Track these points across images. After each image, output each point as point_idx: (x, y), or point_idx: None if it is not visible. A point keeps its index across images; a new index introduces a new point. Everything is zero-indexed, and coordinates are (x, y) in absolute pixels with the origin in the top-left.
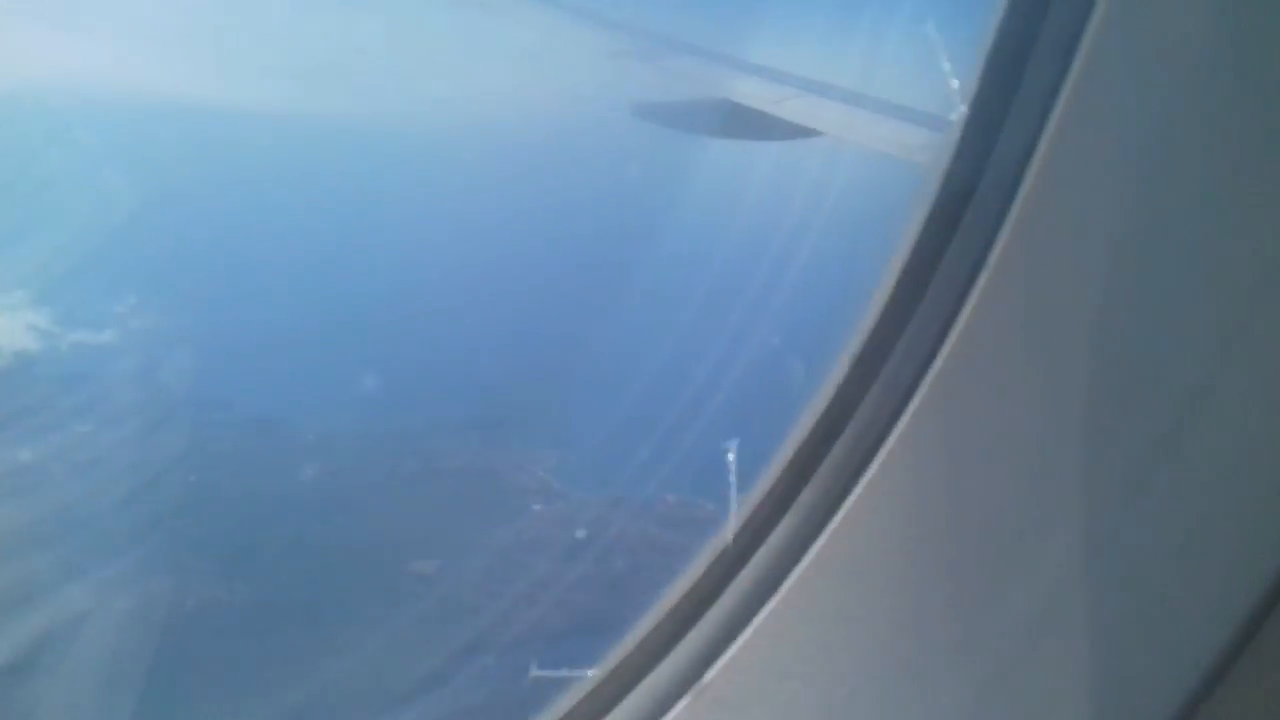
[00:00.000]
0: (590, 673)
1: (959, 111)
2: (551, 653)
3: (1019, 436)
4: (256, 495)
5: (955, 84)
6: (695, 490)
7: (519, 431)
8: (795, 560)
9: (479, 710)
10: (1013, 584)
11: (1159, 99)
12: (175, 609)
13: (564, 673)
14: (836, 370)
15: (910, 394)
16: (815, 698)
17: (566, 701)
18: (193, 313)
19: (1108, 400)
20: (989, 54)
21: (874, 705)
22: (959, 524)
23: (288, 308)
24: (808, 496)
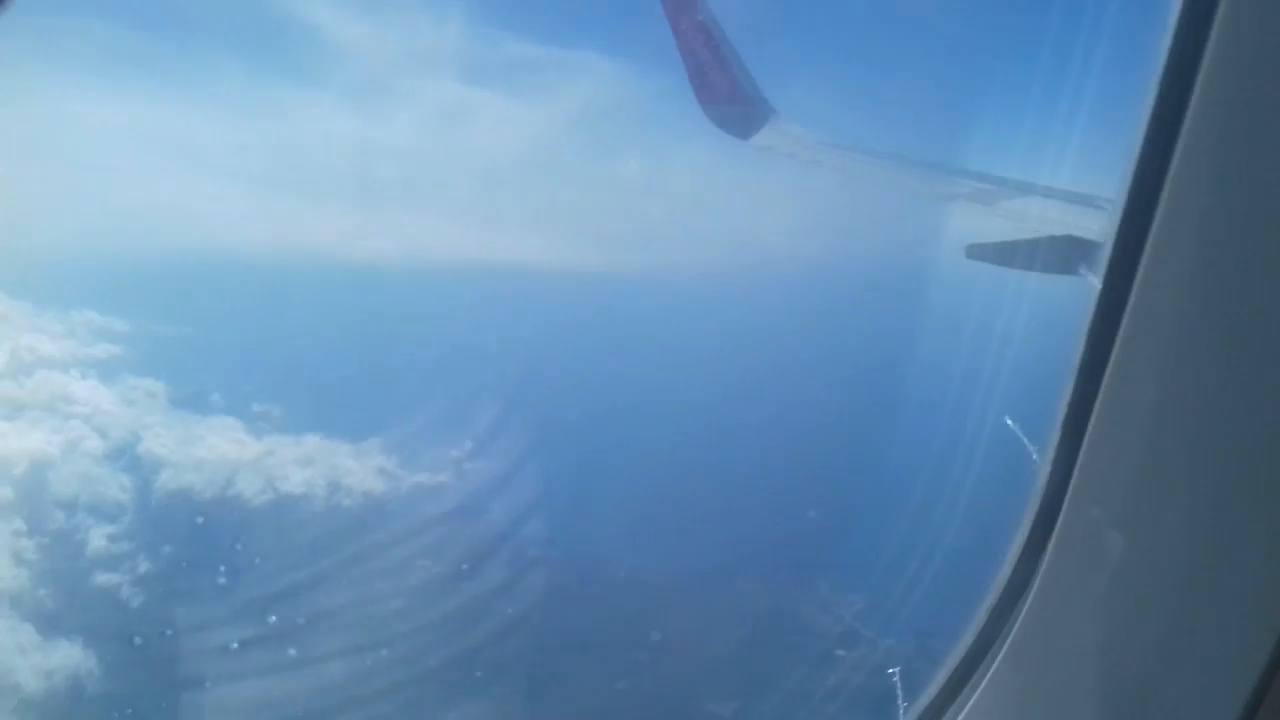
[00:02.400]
0: None
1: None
2: None
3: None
4: (571, 629)
5: None
6: None
7: (826, 574)
8: None
9: None
10: None
11: None
12: None
13: None
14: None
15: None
16: None
17: None
18: (521, 460)
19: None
20: None
21: None
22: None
23: (610, 453)
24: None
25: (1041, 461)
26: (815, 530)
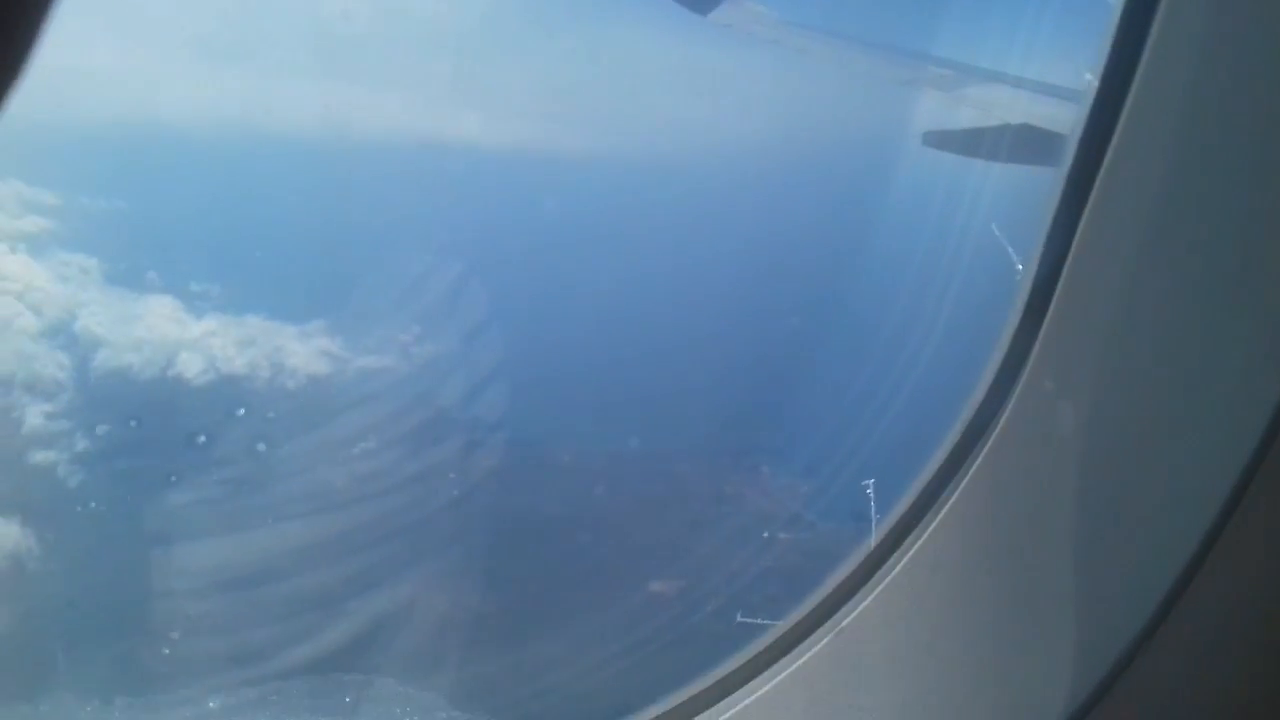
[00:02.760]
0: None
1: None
2: None
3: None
4: (513, 512)
5: None
6: None
7: (772, 459)
8: (905, 553)
9: None
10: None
11: None
12: (430, 614)
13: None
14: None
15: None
16: (910, 638)
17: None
18: (467, 344)
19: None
20: None
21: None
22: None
23: (553, 339)
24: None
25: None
26: (763, 413)
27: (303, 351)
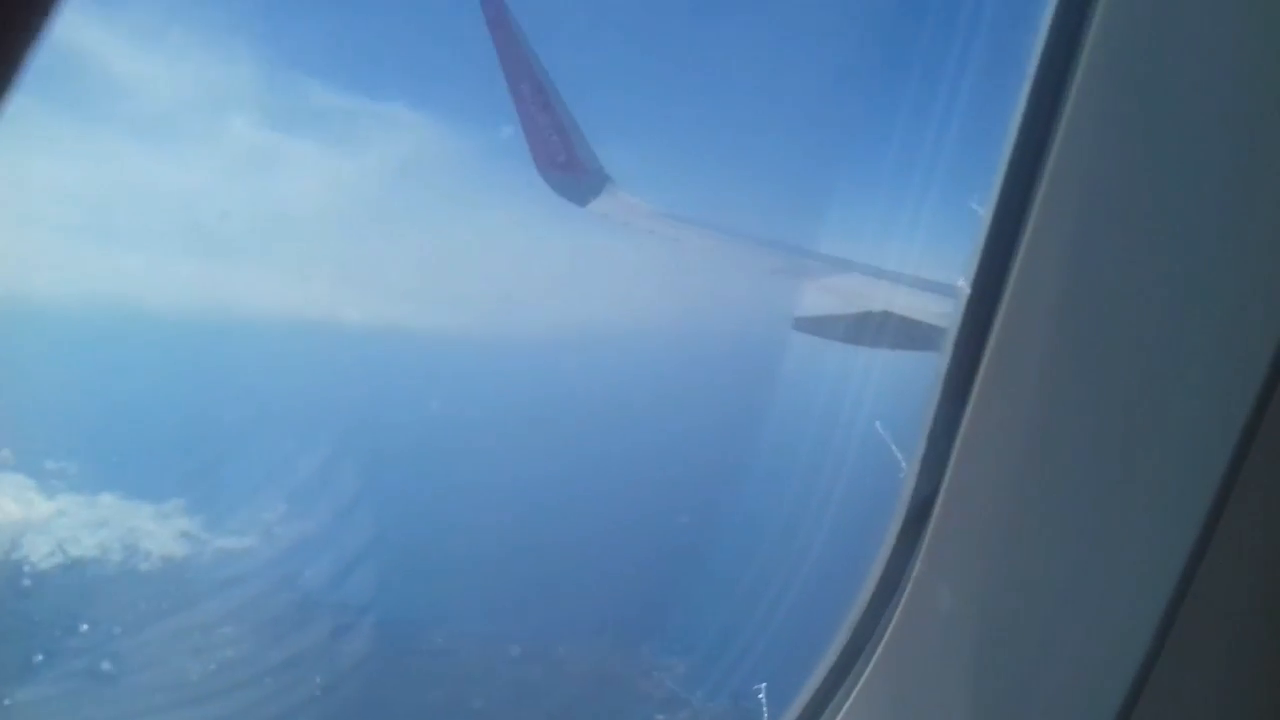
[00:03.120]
0: None
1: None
2: None
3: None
4: (384, 702)
5: None
6: None
7: (648, 636)
8: None
9: None
10: None
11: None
12: None
13: None
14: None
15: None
16: None
17: None
18: (335, 523)
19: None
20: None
21: None
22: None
23: (423, 517)
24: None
25: (891, 530)
26: (640, 594)
27: (159, 532)
